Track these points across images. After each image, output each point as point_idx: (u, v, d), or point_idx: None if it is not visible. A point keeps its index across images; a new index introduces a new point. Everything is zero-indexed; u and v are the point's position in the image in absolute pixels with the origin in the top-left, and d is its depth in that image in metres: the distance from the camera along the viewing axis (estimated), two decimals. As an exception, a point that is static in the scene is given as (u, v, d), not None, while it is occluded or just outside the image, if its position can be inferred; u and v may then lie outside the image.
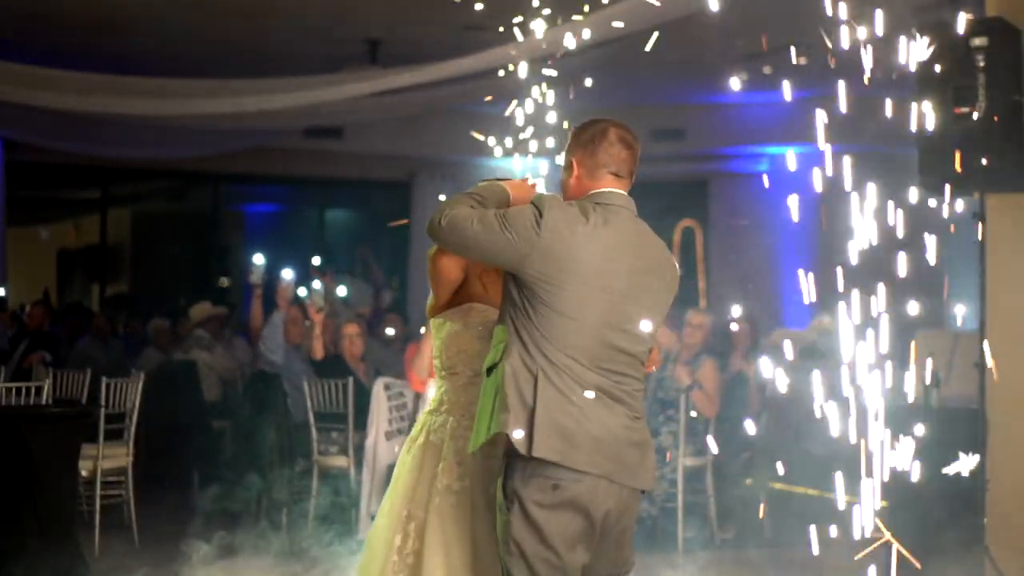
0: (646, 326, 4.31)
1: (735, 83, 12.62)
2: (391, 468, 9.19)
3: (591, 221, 4.25)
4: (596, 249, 4.22)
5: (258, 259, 11.08)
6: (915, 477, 6.09)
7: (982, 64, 7.52)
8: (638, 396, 4.36)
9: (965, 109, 7.64)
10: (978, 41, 7.52)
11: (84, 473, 9.25)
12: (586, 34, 10.59)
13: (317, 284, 10.10)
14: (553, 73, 10.33)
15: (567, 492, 4.17)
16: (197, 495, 10.62)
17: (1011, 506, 8.21)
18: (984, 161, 7.54)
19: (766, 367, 8.53)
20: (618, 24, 10.50)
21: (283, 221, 19.01)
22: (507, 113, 9.01)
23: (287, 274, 10.67)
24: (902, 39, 6.71)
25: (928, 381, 8.83)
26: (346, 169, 16.26)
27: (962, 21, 7.35)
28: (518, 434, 4.14)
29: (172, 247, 17.93)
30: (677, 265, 4.52)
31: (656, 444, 9.65)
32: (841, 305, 5.61)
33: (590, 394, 4.19)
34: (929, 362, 8.91)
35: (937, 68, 7.64)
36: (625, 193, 4.41)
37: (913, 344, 11.35)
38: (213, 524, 9.08)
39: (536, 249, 4.16)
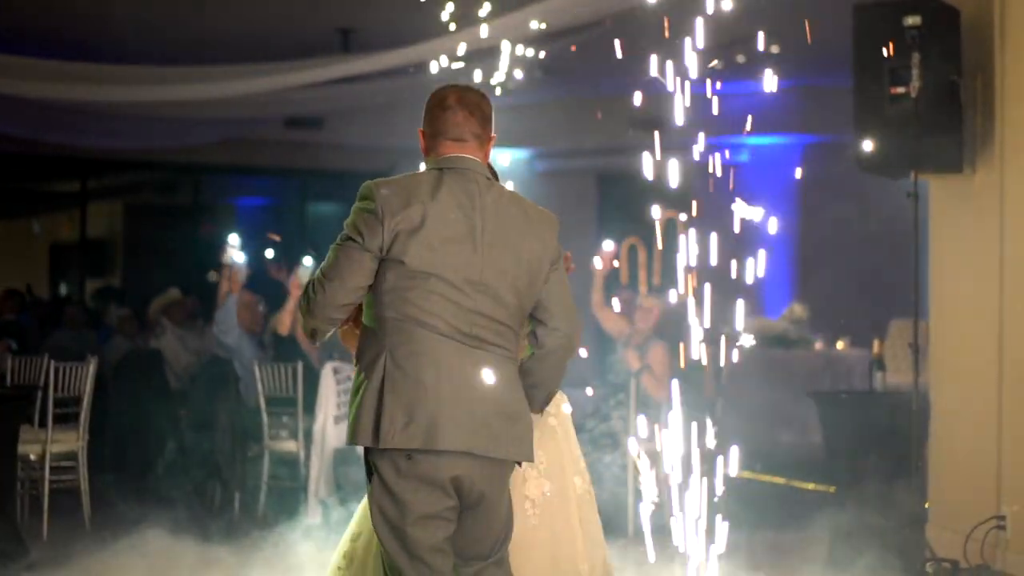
0: (506, 288, 4.23)
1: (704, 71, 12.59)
2: (339, 452, 9.24)
3: (425, 187, 4.19)
4: (435, 215, 4.15)
5: (233, 239, 11.08)
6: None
7: (916, 43, 7.48)
8: (506, 363, 4.26)
9: (900, 89, 7.61)
10: (911, 20, 7.48)
11: (32, 456, 9.28)
12: (551, 19, 10.64)
13: (308, 261, 10.05)
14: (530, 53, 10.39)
15: (421, 462, 4.11)
16: (152, 480, 10.66)
17: (950, 490, 8.19)
18: (918, 141, 7.52)
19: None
20: (581, 9, 10.52)
21: (271, 214, 19.07)
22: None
23: (239, 257, 10.68)
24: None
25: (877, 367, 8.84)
26: (328, 160, 16.29)
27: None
28: (365, 435, 4.10)
29: (162, 239, 17.96)
30: (549, 220, 4.39)
31: (607, 428, 9.71)
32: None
33: (447, 366, 4.13)
34: (875, 346, 8.89)
35: (872, 49, 7.64)
36: (470, 156, 4.30)
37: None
38: (165, 508, 9.09)
39: (384, 233, 4.10)
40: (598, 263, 9.96)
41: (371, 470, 4.20)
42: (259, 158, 16.44)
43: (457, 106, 4.33)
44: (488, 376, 4.19)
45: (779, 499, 10.09)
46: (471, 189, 4.25)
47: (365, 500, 4.75)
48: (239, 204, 19.14)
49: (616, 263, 11.22)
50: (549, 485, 4.82)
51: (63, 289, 18.27)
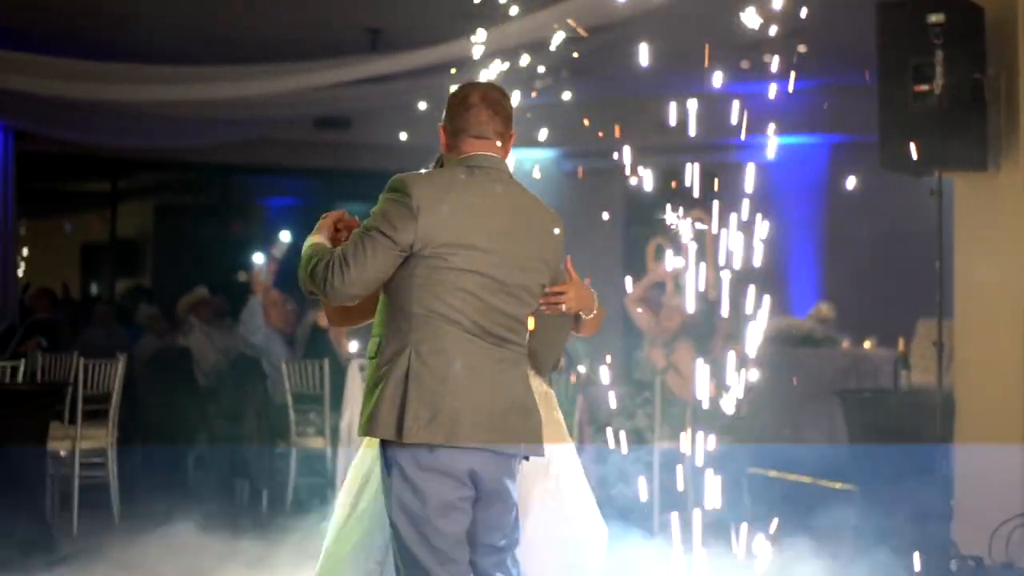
0: (525, 287, 4.31)
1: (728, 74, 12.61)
2: (366, 448, 9.30)
3: (456, 185, 4.23)
4: (466, 212, 4.19)
5: (285, 236, 11.17)
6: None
7: (940, 41, 7.49)
8: (522, 360, 4.36)
9: (924, 87, 7.62)
10: (935, 18, 7.48)
11: (62, 453, 9.38)
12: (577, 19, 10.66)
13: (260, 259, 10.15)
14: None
15: (442, 456, 4.17)
16: (182, 477, 10.76)
17: (975, 488, 8.18)
18: (942, 139, 7.53)
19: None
20: (608, 9, 10.55)
21: (300, 213, 19.13)
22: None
23: (258, 259, 10.77)
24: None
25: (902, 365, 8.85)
26: (357, 160, 16.34)
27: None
28: (387, 429, 4.13)
29: (191, 239, 18.06)
30: (557, 220, 4.46)
31: (632, 426, 9.74)
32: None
33: (472, 363, 4.19)
34: (900, 344, 8.90)
35: (896, 47, 7.66)
36: (492, 154, 4.35)
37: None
38: (194, 504, 9.17)
39: (418, 229, 4.12)
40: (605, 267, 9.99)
41: (388, 464, 4.23)
42: (288, 158, 16.51)
43: (481, 104, 4.36)
44: (507, 374, 4.27)
45: (803, 497, 10.08)
46: (497, 188, 4.30)
47: (338, 504, 4.83)
48: (268, 204, 19.23)
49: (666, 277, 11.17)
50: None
51: (94, 288, 18.39)
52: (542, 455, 4.45)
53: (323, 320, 10.34)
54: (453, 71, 10.08)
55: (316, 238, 4.42)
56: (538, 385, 4.78)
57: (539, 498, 4.87)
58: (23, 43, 12.17)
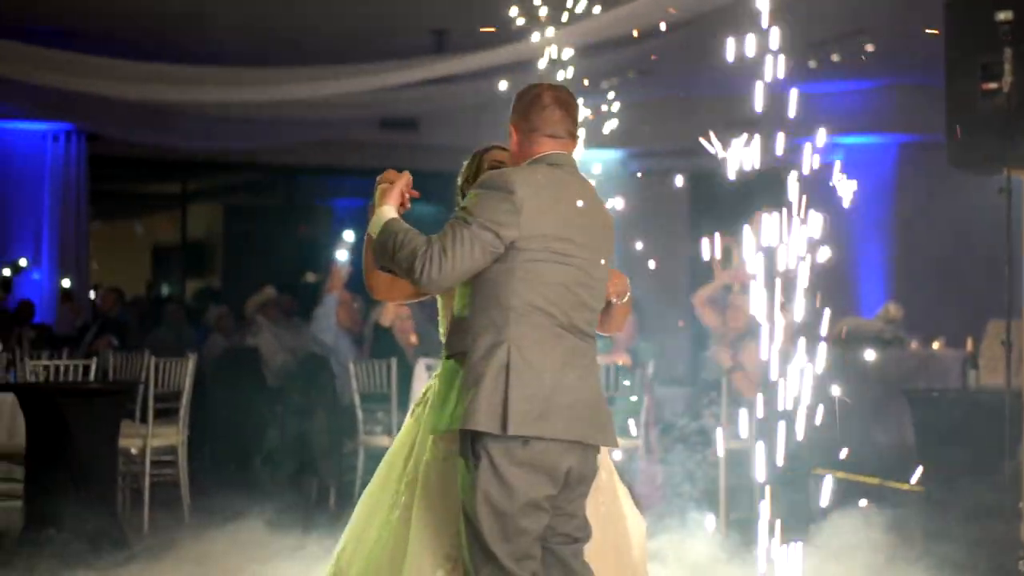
0: (601, 282, 4.42)
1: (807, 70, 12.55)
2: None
3: (549, 181, 4.32)
4: (558, 209, 4.29)
5: (348, 236, 11.26)
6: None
7: (1008, 39, 7.43)
8: (595, 353, 4.46)
9: (992, 85, 7.56)
10: (1003, 16, 7.43)
11: (134, 451, 9.50)
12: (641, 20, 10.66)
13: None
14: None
15: (536, 448, 4.22)
16: (251, 475, 10.85)
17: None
18: (1011, 137, 7.47)
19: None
20: (672, 10, 10.54)
21: (366, 214, 19.22)
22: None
23: (341, 255, 10.85)
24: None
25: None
26: (423, 161, 16.39)
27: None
28: (488, 421, 4.17)
29: (259, 240, 18.23)
30: (612, 217, 4.56)
31: (698, 426, 9.73)
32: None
33: (563, 357, 4.27)
34: (968, 344, 8.83)
35: (964, 45, 7.60)
36: (566, 153, 4.44)
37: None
38: (263, 502, 9.24)
39: (521, 224, 4.21)
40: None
41: (476, 456, 4.24)
42: (354, 159, 16.63)
43: (555, 104, 4.43)
44: (590, 368, 4.38)
45: (871, 498, 10.03)
46: (572, 184, 4.39)
47: (358, 512, 4.78)
48: (335, 205, 19.36)
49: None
50: None
51: (165, 289, 18.61)
52: (617, 447, 4.56)
53: (385, 319, 10.42)
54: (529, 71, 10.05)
55: (389, 211, 4.45)
56: None
57: None
58: (95, 47, 12.34)
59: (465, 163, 4.83)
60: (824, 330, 8.25)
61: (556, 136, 4.42)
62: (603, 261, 4.42)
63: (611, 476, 4.94)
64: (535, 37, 10.40)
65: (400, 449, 4.75)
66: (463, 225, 4.20)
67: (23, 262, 14.40)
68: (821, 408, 9.99)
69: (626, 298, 4.71)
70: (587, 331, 4.38)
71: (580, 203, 4.36)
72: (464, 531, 4.34)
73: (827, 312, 7.46)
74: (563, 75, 9.78)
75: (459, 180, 4.85)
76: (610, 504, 4.83)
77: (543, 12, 9.62)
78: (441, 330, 4.86)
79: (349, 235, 11.29)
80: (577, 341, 4.33)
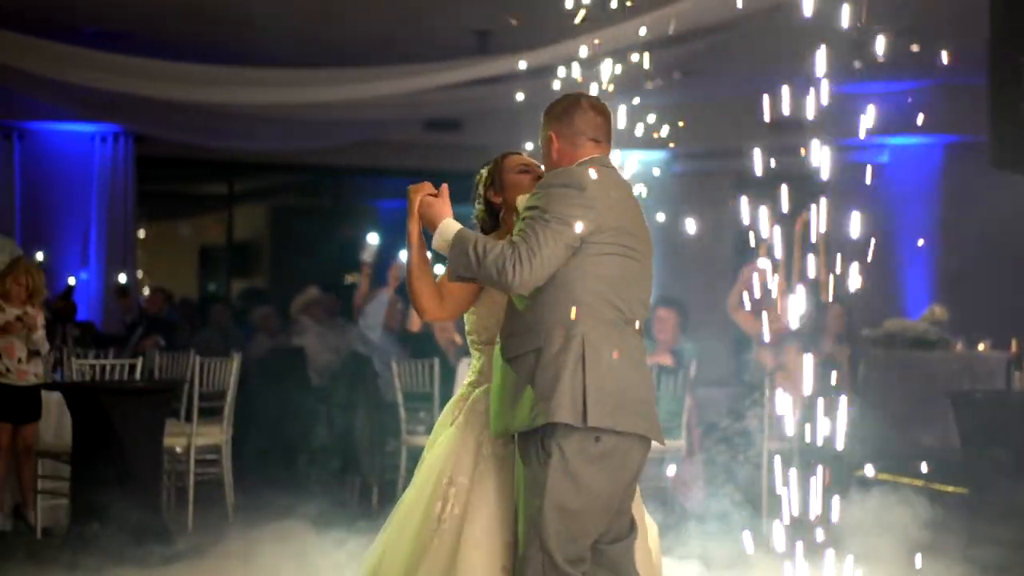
0: (652, 275, 4.54)
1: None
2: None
3: (610, 182, 4.42)
4: (625, 205, 4.43)
5: (372, 238, 11.30)
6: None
7: (1053, 39, 7.41)
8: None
9: (1036, 86, 7.53)
10: (1048, 16, 7.41)
11: (178, 449, 9.58)
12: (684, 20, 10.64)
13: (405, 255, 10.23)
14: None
15: (607, 444, 4.29)
16: (295, 474, 10.92)
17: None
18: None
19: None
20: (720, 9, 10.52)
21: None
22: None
23: (403, 255, 10.86)
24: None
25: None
26: (467, 162, 16.43)
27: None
28: (570, 413, 4.24)
29: (305, 240, 18.31)
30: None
31: (741, 427, 9.71)
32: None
33: (630, 352, 4.35)
34: (1012, 345, 8.79)
35: (1007, 45, 7.57)
36: (608, 156, 4.56)
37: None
38: (306, 501, 9.29)
39: (592, 221, 4.30)
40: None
41: (547, 452, 4.28)
42: (399, 160, 16.70)
43: (594, 110, 4.56)
44: (645, 361, 4.48)
45: (914, 500, 9.99)
46: (628, 185, 4.52)
47: (395, 519, 4.79)
48: (380, 205, 19.43)
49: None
50: None
51: (212, 288, 18.72)
52: (663, 443, 4.62)
53: (414, 326, 10.45)
54: (571, 72, 10.05)
55: (452, 224, 4.50)
56: None
57: None
58: (142, 49, 12.45)
59: (484, 169, 4.87)
60: (865, 331, 8.26)
61: (598, 140, 4.53)
62: (648, 260, 4.52)
63: None
64: (578, 37, 10.42)
65: (444, 457, 4.69)
66: (543, 224, 4.26)
67: (71, 280, 14.46)
68: (858, 408, 9.99)
69: None
70: (641, 326, 4.47)
71: (633, 200, 4.47)
72: (523, 532, 4.35)
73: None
74: (608, 75, 9.78)
75: (479, 186, 4.89)
76: (636, 507, 4.84)
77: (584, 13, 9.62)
78: (468, 331, 4.87)
79: (373, 237, 11.30)
80: (634, 333, 4.41)
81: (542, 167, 4.73)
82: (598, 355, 4.26)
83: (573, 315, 4.29)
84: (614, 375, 4.28)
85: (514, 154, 4.88)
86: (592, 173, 4.36)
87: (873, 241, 7.20)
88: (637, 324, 4.44)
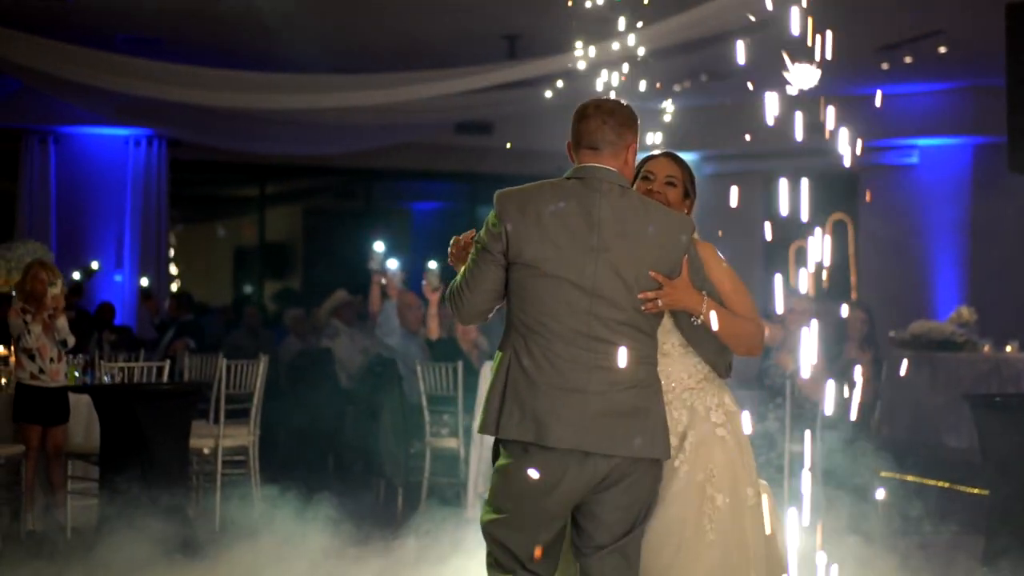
0: (622, 291, 4.40)
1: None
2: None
3: (544, 196, 4.39)
4: (553, 221, 4.34)
5: (378, 247, 11.42)
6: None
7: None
8: (631, 362, 4.40)
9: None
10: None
11: (205, 451, 9.70)
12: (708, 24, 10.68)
13: (432, 264, 10.34)
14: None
15: (535, 458, 4.37)
16: (322, 476, 11.02)
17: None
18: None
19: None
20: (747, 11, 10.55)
21: (442, 218, 19.42)
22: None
23: (392, 264, 11.02)
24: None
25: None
26: (498, 165, 16.52)
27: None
28: (487, 424, 4.47)
29: (338, 243, 18.45)
30: (679, 224, 4.53)
31: (762, 429, 9.74)
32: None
33: (563, 368, 4.35)
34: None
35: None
36: (599, 165, 4.44)
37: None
38: (332, 502, 9.37)
39: (508, 241, 4.36)
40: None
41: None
42: (430, 162, 16.84)
43: (594, 115, 4.49)
44: (608, 373, 4.39)
45: (936, 502, 10.00)
46: (592, 197, 4.39)
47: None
48: (412, 208, 19.56)
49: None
50: (722, 498, 4.71)
51: (247, 290, 18.86)
52: (662, 456, 4.55)
53: (431, 333, 10.56)
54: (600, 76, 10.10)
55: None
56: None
57: None
58: (176, 55, 12.60)
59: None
60: (892, 333, 8.27)
61: (593, 147, 4.45)
62: (630, 269, 4.39)
63: (737, 504, 4.75)
64: (606, 41, 10.47)
65: None
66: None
67: (95, 265, 14.66)
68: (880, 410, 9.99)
69: (697, 318, 4.59)
70: (603, 336, 4.37)
71: (603, 214, 4.38)
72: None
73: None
74: (636, 79, 9.82)
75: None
76: (727, 536, 4.70)
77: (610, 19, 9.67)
78: None
79: (379, 246, 11.42)
80: (581, 351, 4.36)
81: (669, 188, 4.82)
82: (522, 371, 4.35)
83: (509, 332, 4.44)
84: (537, 392, 4.32)
85: (665, 158, 4.88)
86: (521, 194, 4.41)
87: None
88: (603, 335, 4.38)
